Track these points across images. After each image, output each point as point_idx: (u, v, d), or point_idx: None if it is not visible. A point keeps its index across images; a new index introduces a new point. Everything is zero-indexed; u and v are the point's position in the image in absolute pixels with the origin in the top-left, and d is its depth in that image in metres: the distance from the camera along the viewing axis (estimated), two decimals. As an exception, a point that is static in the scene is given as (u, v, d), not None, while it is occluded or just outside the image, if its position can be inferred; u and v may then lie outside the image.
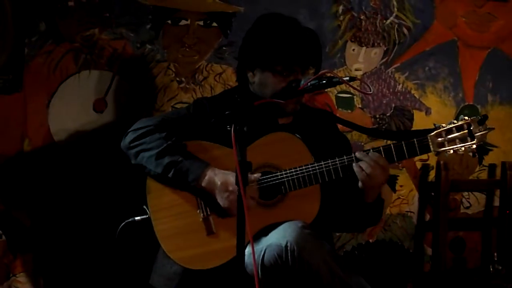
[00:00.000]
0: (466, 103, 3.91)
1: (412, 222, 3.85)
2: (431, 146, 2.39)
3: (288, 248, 2.25)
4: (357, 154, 2.42)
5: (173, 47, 3.31)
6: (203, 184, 2.45)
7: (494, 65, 3.94)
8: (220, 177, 2.44)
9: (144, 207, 2.54)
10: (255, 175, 2.45)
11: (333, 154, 2.48)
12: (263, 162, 2.50)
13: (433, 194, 3.76)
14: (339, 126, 2.83)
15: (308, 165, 2.45)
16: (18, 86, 3.06)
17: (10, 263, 3.09)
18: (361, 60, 3.69)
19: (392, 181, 3.78)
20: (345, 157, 2.44)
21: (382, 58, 3.72)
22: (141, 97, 3.26)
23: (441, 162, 3.67)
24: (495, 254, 3.76)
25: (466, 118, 2.37)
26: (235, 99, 2.68)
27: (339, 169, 2.44)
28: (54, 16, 3.11)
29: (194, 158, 2.49)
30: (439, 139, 2.37)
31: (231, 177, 2.41)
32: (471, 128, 2.35)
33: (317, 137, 2.61)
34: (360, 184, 2.43)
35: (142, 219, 2.55)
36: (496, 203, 3.91)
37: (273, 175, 2.48)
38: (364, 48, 3.69)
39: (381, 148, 2.43)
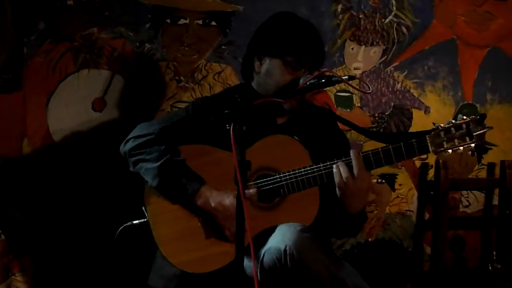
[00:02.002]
0: (466, 102, 3.90)
1: (411, 221, 3.85)
2: (429, 147, 2.36)
3: (287, 252, 2.24)
4: (339, 163, 2.41)
5: (172, 46, 3.31)
6: (198, 202, 2.45)
7: (493, 64, 3.94)
8: (214, 199, 2.44)
9: (143, 208, 2.53)
10: (251, 190, 2.45)
11: (331, 152, 2.47)
12: (262, 165, 2.49)
13: (432, 193, 3.77)
14: (340, 124, 2.82)
15: (306, 167, 2.44)
16: (17, 85, 3.06)
17: (9, 262, 3.09)
18: (360, 59, 3.69)
19: (391, 180, 3.78)
20: (343, 159, 2.42)
21: (381, 57, 3.72)
22: (140, 96, 3.26)
23: (440, 161, 3.67)
24: (495, 253, 3.77)
25: (465, 117, 2.34)
26: (235, 99, 2.67)
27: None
28: (53, 15, 3.11)
29: (190, 175, 2.49)
30: (438, 139, 2.35)
31: (225, 199, 2.42)
32: (470, 127, 2.33)
33: (314, 135, 2.61)
34: (337, 191, 2.41)
35: (140, 222, 2.54)
36: (495, 201, 3.92)
37: (272, 178, 2.48)
38: (363, 47, 3.68)
39: (379, 149, 2.41)
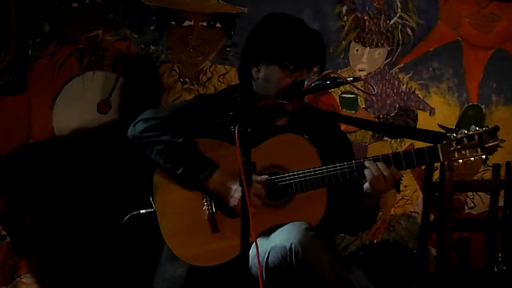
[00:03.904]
0: (470, 104, 3.90)
1: (416, 223, 3.84)
2: (440, 156, 2.37)
3: (293, 250, 2.24)
4: (366, 163, 2.42)
5: (177, 48, 3.32)
6: (211, 185, 2.46)
7: (498, 65, 3.94)
8: (227, 179, 2.45)
9: (150, 198, 2.54)
10: (263, 176, 2.45)
11: (333, 155, 2.48)
12: (271, 163, 2.50)
13: (437, 194, 3.76)
14: (345, 125, 2.82)
15: (316, 168, 2.45)
16: (22, 87, 3.06)
17: (14, 264, 3.10)
18: (364, 60, 3.69)
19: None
20: (353, 162, 2.43)
21: (386, 59, 3.72)
22: (145, 98, 3.26)
23: (446, 162, 3.66)
24: (500, 254, 3.76)
25: (477, 128, 2.35)
26: (236, 98, 2.68)
27: (347, 173, 2.44)
28: (58, 17, 3.11)
29: (204, 159, 2.49)
30: (449, 148, 2.36)
31: (237, 181, 2.41)
32: (482, 138, 2.34)
33: (316, 138, 2.60)
34: (367, 185, 2.42)
35: (147, 212, 2.55)
36: (501, 203, 3.92)
37: (281, 176, 2.48)
38: (368, 48, 3.68)
39: (390, 155, 2.42)
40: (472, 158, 2.35)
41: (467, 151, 2.34)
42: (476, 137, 2.34)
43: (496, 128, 2.35)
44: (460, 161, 2.36)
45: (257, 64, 2.62)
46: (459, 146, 2.35)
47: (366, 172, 2.40)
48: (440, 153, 2.37)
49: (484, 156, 2.35)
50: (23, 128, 3.08)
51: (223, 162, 2.49)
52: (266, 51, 2.57)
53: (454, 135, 2.37)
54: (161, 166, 2.51)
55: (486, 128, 2.35)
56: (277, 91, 2.55)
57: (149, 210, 2.55)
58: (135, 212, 2.60)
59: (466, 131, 2.36)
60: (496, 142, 2.34)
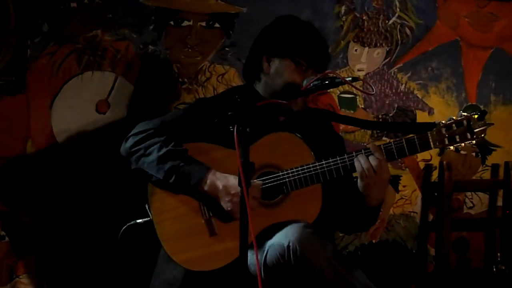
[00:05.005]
0: (469, 103, 3.90)
1: (415, 223, 3.84)
2: (431, 143, 2.38)
3: (291, 247, 2.25)
4: (359, 157, 2.42)
5: (176, 48, 3.32)
6: (205, 188, 2.45)
7: (497, 65, 3.94)
8: (222, 181, 2.44)
9: (146, 206, 2.54)
10: (256, 181, 2.45)
11: (326, 153, 2.49)
12: (265, 163, 2.50)
13: (436, 194, 3.77)
14: (343, 126, 2.83)
15: (309, 164, 2.45)
16: (21, 87, 3.06)
17: (13, 264, 3.09)
18: (363, 60, 3.69)
19: (395, 181, 3.78)
20: (346, 156, 2.44)
21: (385, 59, 3.72)
22: (144, 98, 3.26)
23: (444, 162, 3.67)
24: (499, 254, 3.77)
25: (465, 114, 2.37)
26: (235, 99, 2.68)
27: (340, 168, 2.44)
28: (57, 17, 3.11)
29: (195, 163, 2.49)
30: (439, 135, 2.38)
31: (233, 180, 2.41)
32: (471, 123, 2.35)
33: (309, 135, 2.60)
34: (359, 182, 2.42)
35: (144, 221, 2.55)
36: (500, 203, 3.92)
37: (275, 175, 2.48)
38: (367, 48, 3.68)
39: (381, 146, 2.43)
40: (463, 144, 2.36)
41: (457, 137, 2.36)
42: (465, 122, 2.35)
43: (484, 112, 2.37)
44: (452, 147, 2.37)
45: (270, 57, 2.64)
46: (449, 132, 2.37)
47: (356, 164, 2.41)
48: (430, 140, 2.38)
49: (474, 142, 2.35)
50: (21, 128, 3.08)
51: (216, 164, 2.49)
52: (281, 45, 2.62)
53: (443, 122, 2.38)
54: (154, 179, 2.50)
55: (474, 113, 2.36)
56: (283, 86, 2.58)
57: (146, 219, 2.54)
58: (132, 222, 2.59)
59: (454, 117, 2.37)
60: (485, 127, 2.35)
